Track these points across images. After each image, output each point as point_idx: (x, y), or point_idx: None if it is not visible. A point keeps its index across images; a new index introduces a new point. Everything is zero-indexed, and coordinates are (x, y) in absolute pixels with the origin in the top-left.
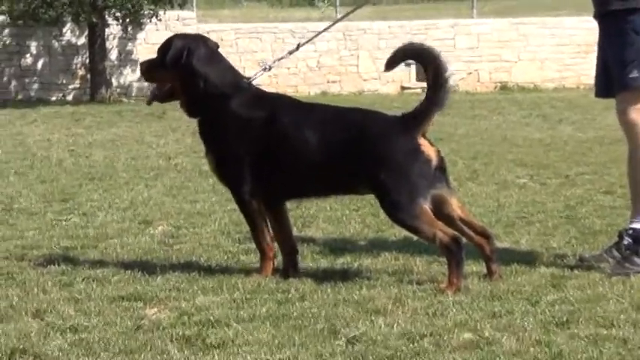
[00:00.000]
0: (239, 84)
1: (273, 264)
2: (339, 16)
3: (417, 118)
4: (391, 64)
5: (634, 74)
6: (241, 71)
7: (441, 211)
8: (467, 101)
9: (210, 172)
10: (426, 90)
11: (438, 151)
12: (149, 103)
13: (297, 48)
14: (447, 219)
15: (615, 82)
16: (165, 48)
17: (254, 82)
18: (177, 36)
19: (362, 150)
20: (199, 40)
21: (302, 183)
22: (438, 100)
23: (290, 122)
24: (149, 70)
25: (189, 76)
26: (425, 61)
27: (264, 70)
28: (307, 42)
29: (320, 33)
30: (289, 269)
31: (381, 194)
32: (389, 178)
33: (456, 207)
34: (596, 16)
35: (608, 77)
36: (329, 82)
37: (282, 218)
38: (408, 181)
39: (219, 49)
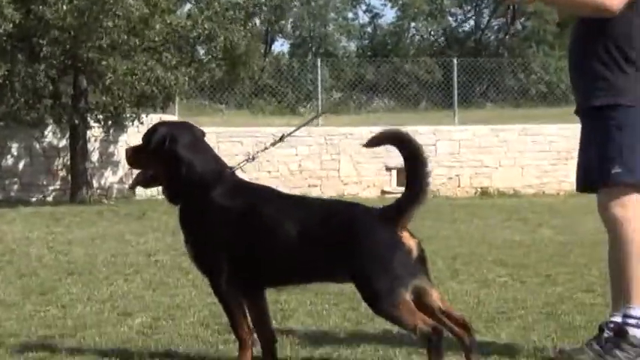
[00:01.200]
0: (222, 173)
1: (252, 353)
2: (321, 121)
3: (398, 210)
4: (373, 143)
5: (616, 170)
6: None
7: (421, 302)
8: (447, 205)
9: (190, 260)
10: (406, 183)
11: (419, 243)
12: (132, 187)
13: (282, 139)
14: (428, 310)
15: (597, 178)
16: (149, 134)
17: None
18: (162, 123)
19: (343, 241)
20: (184, 127)
21: (283, 273)
22: (419, 193)
23: (271, 212)
24: (133, 155)
25: (171, 162)
26: (406, 149)
27: (248, 160)
28: (291, 133)
29: (299, 128)
30: (268, 359)
31: (362, 284)
32: (369, 269)
33: (436, 298)
34: (578, 112)
35: (589, 172)
36: (310, 186)
37: (261, 308)
38: (389, 271)
39: (204, 138)
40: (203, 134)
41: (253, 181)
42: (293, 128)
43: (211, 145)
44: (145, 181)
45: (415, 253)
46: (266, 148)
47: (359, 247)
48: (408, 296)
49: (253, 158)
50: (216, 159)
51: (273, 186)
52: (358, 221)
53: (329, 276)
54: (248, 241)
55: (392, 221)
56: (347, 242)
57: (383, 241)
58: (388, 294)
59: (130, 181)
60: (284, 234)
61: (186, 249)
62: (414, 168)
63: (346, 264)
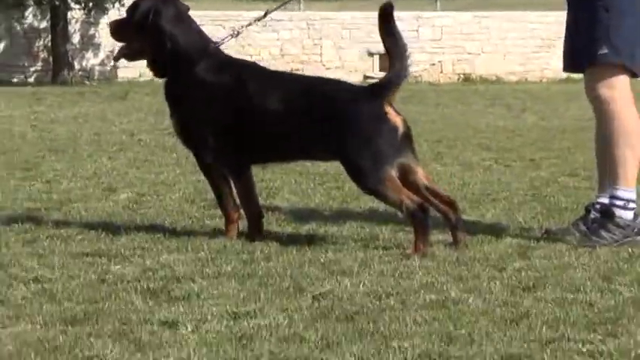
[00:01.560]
0: (207, 48)
1: (238, 228)
2: (302, 5)
3: (383, 87)
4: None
5: (603, 50)
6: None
7: (407, 179)
8: (430, 91)
9: (175, 134)
10: (389, 61)
11: (404, 120)
12: (116, 59)
13: (265, 15)
14: (413, 187)
15: (584, 58)
16: (134, 7)
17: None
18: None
19: (329, 117)
20: (168, 1)
21: (269, 149)
22: (402, 68)
23: (257, 88)
24: (117, 29)
25: (156, 35)
26: (387, 37)
27: (232, 35)
28: (274, 10)
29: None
30: (254, 233)
31: (348, 161)
32: (355, 145)
33: (421, 176)
34: None
35: (576, 52)
36: (292, 70)
37: (247, 183)
38: (375, 147)
39: (188, 12)
40: (187, 9)
41: None
42: (277, 12)
43: None
44: (129, 54)
45: (401, 130)
46: (250, 24)
47: (344, 123)
48: (393, 173)
49: (238, 33)
50: (201, 33)
51: None
52: (344, 97)
53: (314, 152)
54: (233, 116)
55: (377, 98)
56: (332, 118)
57: (368, 118)
58: (374, 170)
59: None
60: (270, 109)
61: (171, 123)
62: (396, 47)
63: (332, 140)
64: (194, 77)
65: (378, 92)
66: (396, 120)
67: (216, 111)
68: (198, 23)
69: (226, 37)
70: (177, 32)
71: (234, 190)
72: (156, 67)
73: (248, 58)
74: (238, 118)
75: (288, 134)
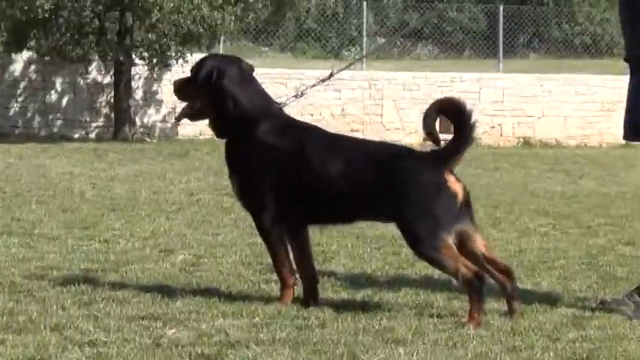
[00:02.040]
0: (270, 109)
1: (293, 293)
2: (364, 65)
3: (445, 154)
4: (428, 124)
5: None
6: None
7: (464, 247)
8: (489, 154)
9: (234, 195)
10: (453, 131)
11: (464, 187)
12: (178, 119)
13: (331, 76)
14: (471, 255)
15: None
16: (198, 67)
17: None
18: (211, 55)
19: (388, 181)
20: (233, 61)
21: (327, 212)
22: (466, 138)
23: (319, 152)
24: (181, 87)
25: (219, 95)
26: (454, 112)
27: (297, 96)
28: (340, 71)
29: (349, 66)
30: (309, 298)
31: (406, 226)
32: (414, 211)
33: (479, 244)
34: (627, 60)
35: (637, 120)
36: (352, 131)
37: (304, 247)
38: (433, 214)
39: (252, 73)
40: (252, 69)
41: None
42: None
43: None
44: (191, 114)
45: (461, 197)
46: (315, 85)
47: (404, 188)
48: (450, 240)
49: (302, 94)
50: (264, 94)
51: None
52: (404, 162)
53: (373, 216)
54: (293, 179)
55: (438, 164)
56: (392, 183)
57: (428, 184)
58: (431, 237)
59: (174, 120)
60: (330, 173)
61: (230, 183)
62: (460, 116)
63: (391, 205)
64: (256, 139)
65: (439, 159)
66: (456, 187)
67: (277, 174)
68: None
69: (290, 98)
70: (239, 93)
71: (291, 255)
72: (218, 127)
73: (309, 118)
74: (298, 182)
75: (347, 198)
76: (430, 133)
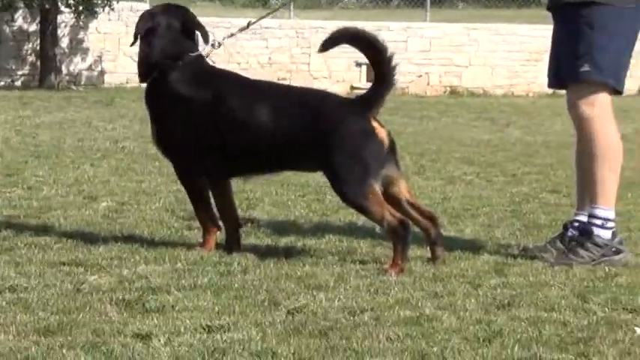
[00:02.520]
0: (185, 57)
1: (216, 239)
2: (292, 14)
3: (369, 100)
4: (327, 46)
5: (585, 68)
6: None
7: (389, 192)
8: (416, 103)
9: (152, 143)
10: (374, 73)
11: (389, 133)
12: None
13: (248, 26)
14: (395, 200)
15: (567, 75)
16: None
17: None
18: (154, 6)
19: (314, 129)
20: (166, 9)
21: (250, 162)
22: (387, 80)
23: (238, 100)
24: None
25: (141, 41)
26: (364, 45)
27: (213, 46)
28: (257, 20)
29: (266, 15)
30: (232, 244)
31: (332, 173)
32: (341, 158)
33: (403, 189)
34: (550, 8)
35: (560, 69)
36: (279, 79)
37: (225, 194)
38: (360, 161)
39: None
40: (184, 16)
41: None
42: (265, 20)
43: None
44: None
45: (386, 142)
46: (232, 35)
47: (330, 135)
48: (377, 187)
49: (219, 44)
50: (181, 42)
51: None
52: (329, 110)
53: (298, 165)
54: (211, 129)
55: (364, 111)
56: (318, 131)
57: (355, 130)
58: (358, 184)
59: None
60: (252, 122)
61: (150, 130)
62: (379, 59)
63: (316, 153)
64: (171, 85)
65: (364, 105)
66: (382, 133)
67: (192, 123)
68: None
69: (207, 47)
70: (155, 39)
71: (213, 202)
72: (138, 70)
73: (236, 66)
74: (216, 132)
75: (270, 147)
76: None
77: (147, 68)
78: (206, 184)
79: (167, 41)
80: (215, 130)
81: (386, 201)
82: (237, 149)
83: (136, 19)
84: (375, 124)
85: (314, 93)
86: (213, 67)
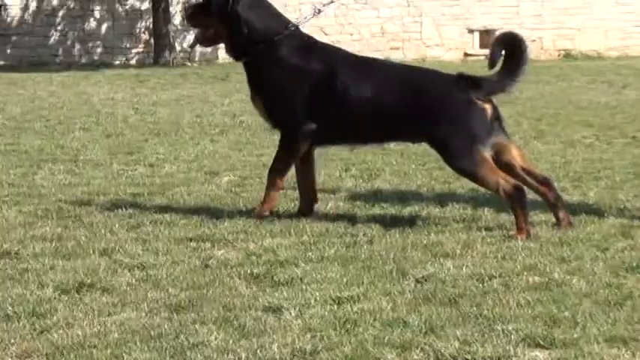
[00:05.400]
0: (284, 30)
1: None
2: None
3: (485, 88)
4: (495, 58)
5: None
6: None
7: (501, 159)
8: (531, 67)
9: (260, 114)
10: (504, 62)
11: (491, 101)
12: (192, 46)
13: None
14: (508, 167)
15: None
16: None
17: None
18: None
19: (418, 105)
20: None
21: (357, 132)
22: (514, 76)
23: (342, 74)
24: (194, 15)
25: (233, 21)
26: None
27: (314, 14)
28: None
29: None
30: (306, 211)
31: (440, 145)
32: (446, 129)
33: (516, 155)
34: None
35: None
36: (392, 49)
37: (310, 165)
38: (466, 130)
39: None
40: None
41: (335, 45)
42: None
43: (293, 7)
44: (206, 40)
45: (489, 112)
46: (332, 1)
47: (435, 109)
48: (487, 154)
49: (319, 11)
50: (278, 16)
51: (356, 49)
52: (432, 86)
53: (403, 138)
54: (320, 98)
55: (466, 86)
56: (422, 106)
57: (456, 103)
58: (468, 152)
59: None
60: (358, 96)
61: (254, 104)
62: (517, 57)
63: (422, 126)
64: (274, 59)
65: (473, 85)
66: (484, 104)
67: (302, 91)
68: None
69: (308, 15)
70: (254, 17)
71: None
72: (234, 51)
73: (348, 37)
74: (326, 101)
75: (377, 119)
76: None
77: (250, 44)
78: (301, 154)
79: (268, 16)
80: (323, 100)
81: (499, 169)
82: (341, 119)
83: None
84: (475, 97)
85: (418, 69)
86: (313, 39)
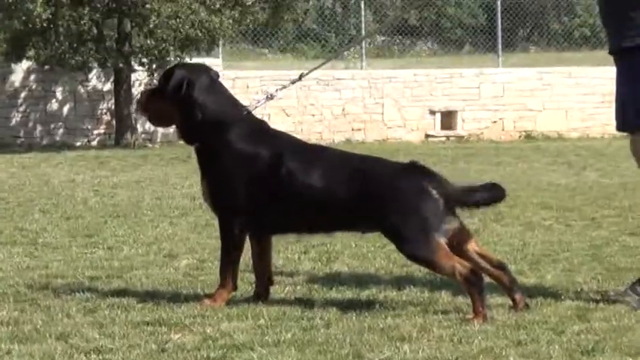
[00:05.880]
0: (239, 115)
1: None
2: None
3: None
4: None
5: None
6: (266, 118)
7: (455, 245)
8: (491, 149)
9: (203, 198)
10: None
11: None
12: (140, 115)
13: (300, 78)
14: (462, 252)
15: (630, 121)
16: (165, 77)
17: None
18: (178, 65)
19: (369, 193)
20: (200, 69)
21: (303, 221)
22: (473, 196)
23: (294, 162)
24: (147, 100)
25: (188, 104)
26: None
27: (267, 98)
28: (310, 72)
29: (316, 68)
30: (261, 297)
31: (393, 234)
32: (399, 218)
33: (469, 240)
34: (611, 52)
35: (623, 113)
36: (353, 130)
37: (266, 248)
38: (419, 218)
39: (219, 80)
40: (217, 76)
41: (297, 126)
42: (336, 71)
43: (256, 88)
44: (155, 120)
45: (439, 198)
46: (284, 87)
47: (386, 198)
48: (442, 240)
49: (272, 96)
50: (232, 100)
51: (318, 130)
52: (382, 174)
53: (352, 227)
54: (266, 187)
55: (418, 173)
56: (373, 195)
57: (409, 191)
58: (422, 240)
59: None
60: (306, 185)
61: (201, 187)
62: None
63: (373, 216)
64: (225, 144)
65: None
66: (433, 192)
67: (248, 180)
68: (259, 84)
69: (261, 100)
70: (208, 101)
71: (252, 254)
72: (186, 135)
73: (310, 118)
74: (272, 190)
75: (323, 211)
76: None
77: (203, 128)
78: (243, 244)
79: (222, 99)
80: (272, 190)
81: (454, 253)
82: (291, 208)
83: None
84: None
85: (366, 157)
86: (266, 127)
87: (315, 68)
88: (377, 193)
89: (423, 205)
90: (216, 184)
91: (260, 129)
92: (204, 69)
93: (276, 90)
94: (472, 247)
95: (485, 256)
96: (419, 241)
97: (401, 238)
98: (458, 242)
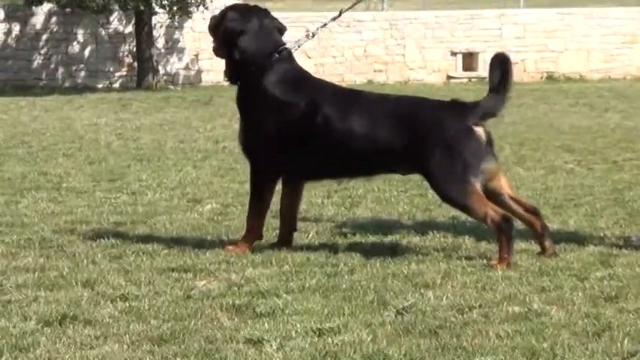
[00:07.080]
0: (277, 58)
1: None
2: (385, 5)
3: (476, 113)
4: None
5: None
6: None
7: (489, 186)
8: (513, 90)
9: (239, 142)
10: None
11: (486, 130)
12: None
13: (340, 14)
14: (496, 195)
15: None
16: (222, 12)
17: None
18: (230, 6)
19: (409, 134)
20: (249, 10)
21: (342, 166)
22: (501, 100)
23: (334, 108)
24: (212, 26)
25: (226, 41)
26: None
27: (308, 37)
28: (349, 9)
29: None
30: (284, 243)
31: (431, 174)
32: (439, 158)
33: (504, 183)
34: None
35: None
36: (375, 71)
37: (298, 194)
38: (459, 159)
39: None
40: (269, 16)
41: (319, 68)
42: (356, 12)
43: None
44: (214, 51)
45: (484, 139)
46: (324, 25)
47: (430, 140)
48: (478, 185)
49: (313, 35)
50: (274, 44)
51: (339, 72)
52: (426, 115)
53: (393, 169)
54: (305, 133)
55: (461, 112)
56: (417, 137)
57: (454, 131)
58: (459, 183)
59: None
60: (346, 129)
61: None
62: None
63: (416, 157)
64: (262, 88)
65: (467, 111)
66: (479, 130)
67: (286, 126)
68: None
69: (302, 39)
70: (245, 41)
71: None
72: (227, 73)
73: (331, 60)
74: (311, 136)
75: (364, 154)
76: None
77: (239, 68)
78: (273, 192)
79: (261, 41)
80: (310, 136)
81: (487, 195)
82: (329, 154)
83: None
84: (471, 123)
85: (408, 98)
86: (302, 72)
87: (353, 5)
88: (422, 134)
89: (467, 146)
90: (250, 127)
91: (297, 74)
92: (255, 10)
93: (317, 28)
94: (506, 190)
95: (519, 201)
96: (456, 185)
97: (439, 179)
98: (493, 185)
